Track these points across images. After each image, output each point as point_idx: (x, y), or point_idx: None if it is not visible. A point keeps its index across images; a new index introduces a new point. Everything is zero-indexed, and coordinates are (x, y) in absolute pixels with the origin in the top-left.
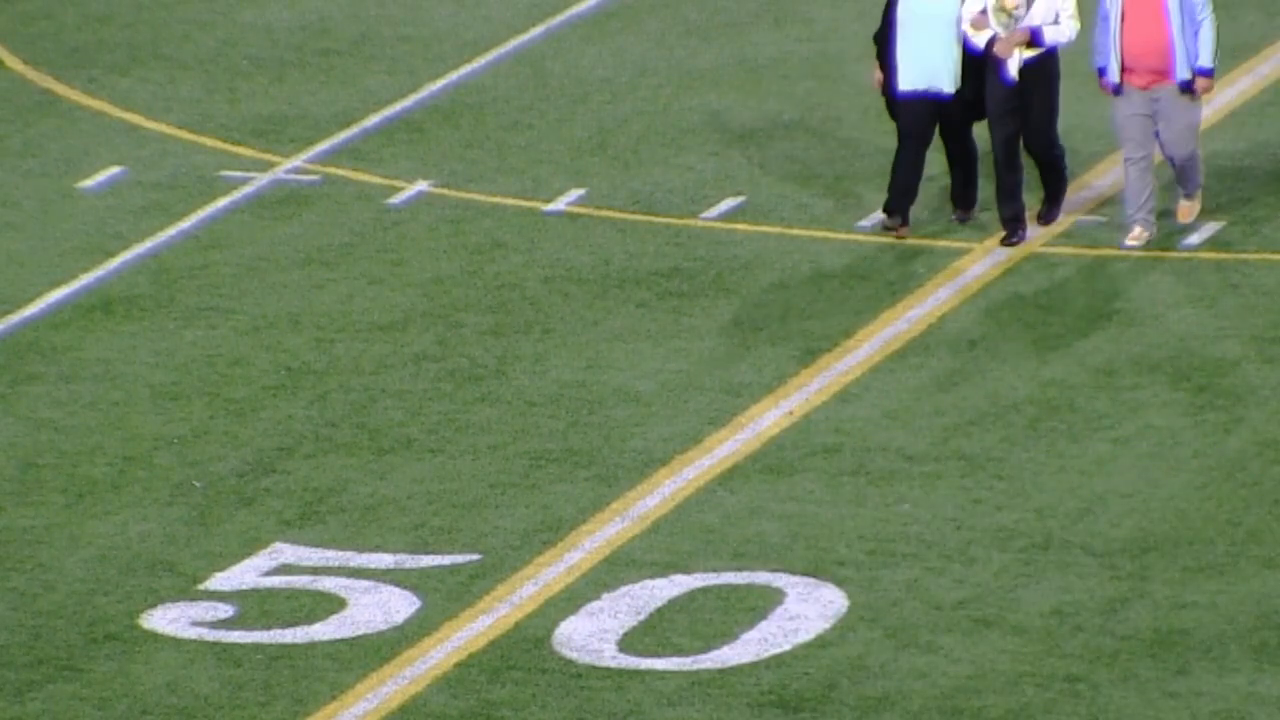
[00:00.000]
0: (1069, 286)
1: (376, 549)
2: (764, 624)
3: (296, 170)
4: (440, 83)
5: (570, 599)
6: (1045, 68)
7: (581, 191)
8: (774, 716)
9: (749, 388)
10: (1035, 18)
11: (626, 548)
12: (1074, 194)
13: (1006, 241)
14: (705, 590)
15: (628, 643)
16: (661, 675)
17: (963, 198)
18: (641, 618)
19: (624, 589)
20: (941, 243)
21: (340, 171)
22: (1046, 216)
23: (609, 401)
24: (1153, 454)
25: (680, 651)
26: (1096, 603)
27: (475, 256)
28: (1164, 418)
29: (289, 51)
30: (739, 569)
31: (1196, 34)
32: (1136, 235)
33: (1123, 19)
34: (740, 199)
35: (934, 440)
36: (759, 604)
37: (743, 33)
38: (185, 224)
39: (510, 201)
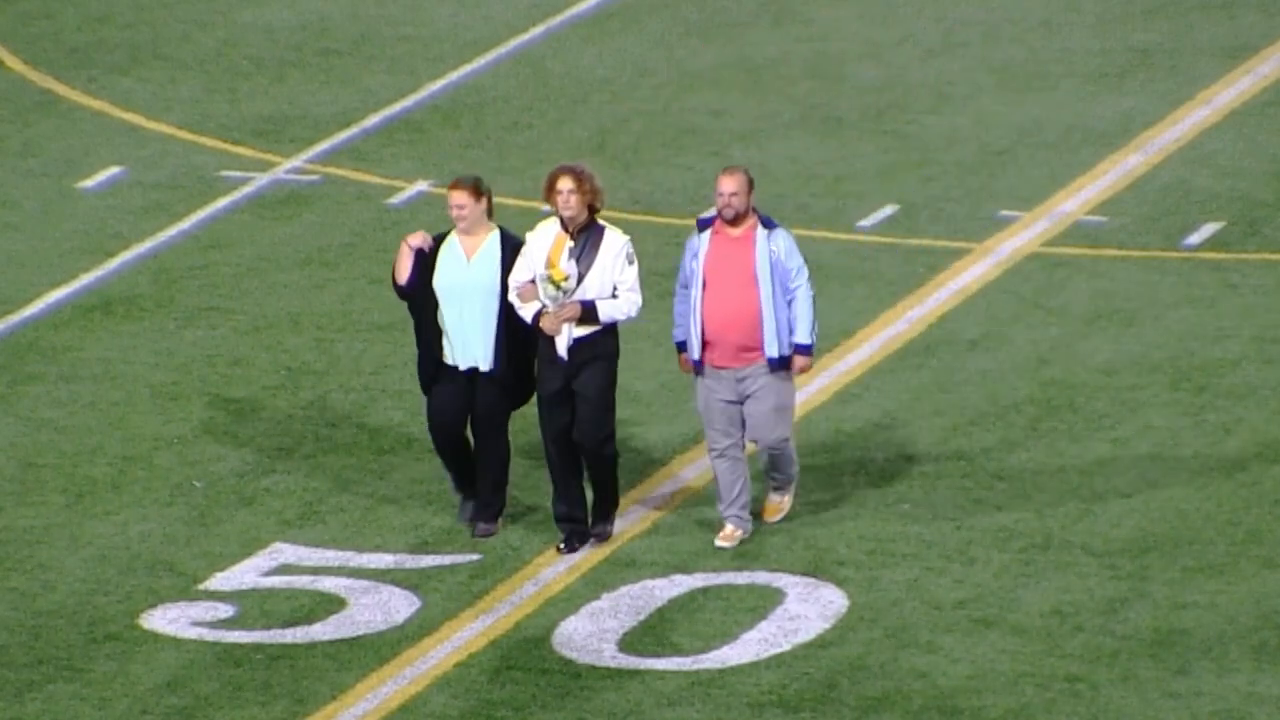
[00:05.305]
0: (1069, 286)
1: (376, 549)
2: (764, 624)
3: (296, 170)
4: (440, 83)
5: (570, 599)
6: (600, 347)
7: None
8: (774, 716)
9: None
10: (589, 290)
11: (626, 548)
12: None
13: (564, 549)
14: (705, 590)
15: (628, 643)
16: (661, 675)
17: (487, 506)
18: (641, 618)
19: (624, 589)
20: (941, 243)
21: (340, 171)
22: (597, 531)
23: None
24: (1153, 454)
25: (680, 651)
26: (1096, 603)
27: None
28: (1164, 418)
29: (289, 51)
30: (739, 569)
31: (790, 304)
32: (728, 535)
33: (704, 287)
34: None
35: (934, 440)
36: (759, 604)
37: (743, 33)
38: (185, 224)
39: (510, 201)
